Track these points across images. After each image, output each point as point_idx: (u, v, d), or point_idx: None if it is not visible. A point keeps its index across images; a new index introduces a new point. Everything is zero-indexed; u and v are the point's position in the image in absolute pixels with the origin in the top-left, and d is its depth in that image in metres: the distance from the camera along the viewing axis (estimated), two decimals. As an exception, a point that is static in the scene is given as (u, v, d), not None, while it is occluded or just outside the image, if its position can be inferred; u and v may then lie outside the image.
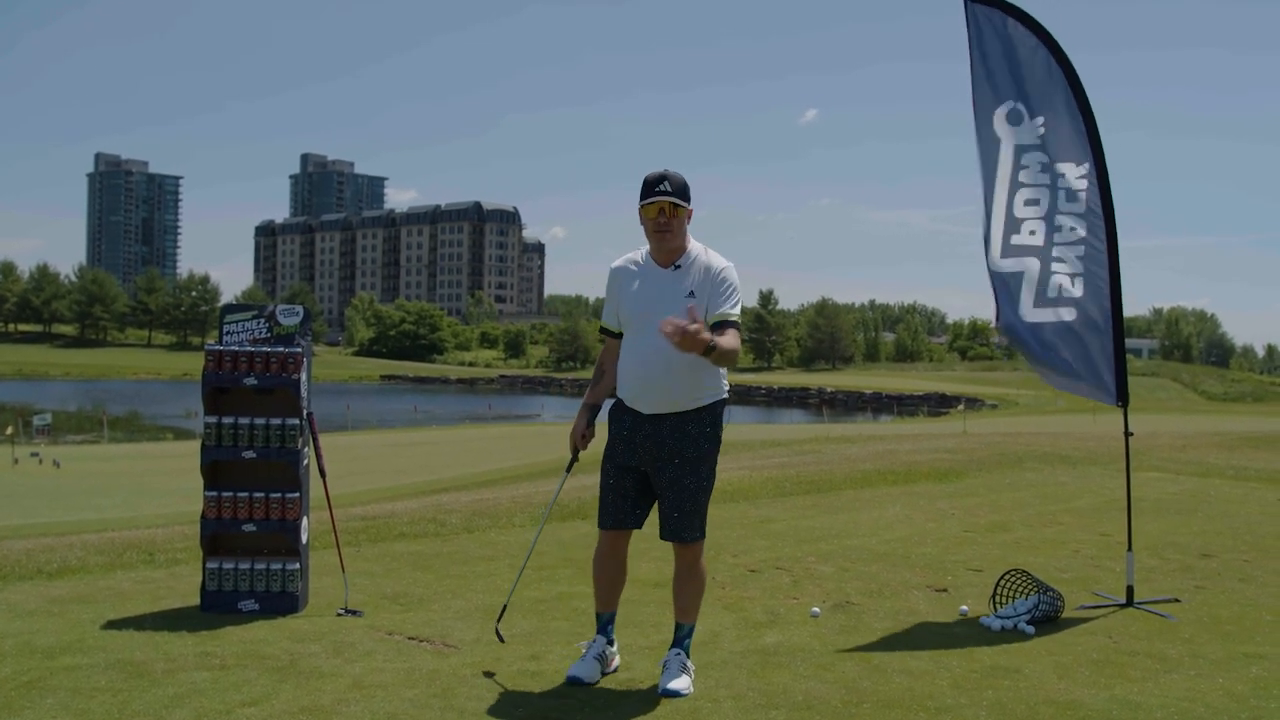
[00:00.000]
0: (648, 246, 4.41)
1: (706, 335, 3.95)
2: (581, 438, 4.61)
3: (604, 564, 4.50)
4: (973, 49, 6.02)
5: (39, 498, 16.38)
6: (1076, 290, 5.88)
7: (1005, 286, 5.97)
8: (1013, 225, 5.98)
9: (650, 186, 4.25)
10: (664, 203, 4.24)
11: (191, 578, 6.06)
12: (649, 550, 6.08)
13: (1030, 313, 5.93)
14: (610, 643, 4.50)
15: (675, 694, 4.17)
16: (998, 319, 6.04)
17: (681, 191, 4.27)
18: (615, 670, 4.51)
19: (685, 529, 4.37)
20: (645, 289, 4.37)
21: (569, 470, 4.84)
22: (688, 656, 4.38)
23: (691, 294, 4.28)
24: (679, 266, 4.35)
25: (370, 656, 4.67)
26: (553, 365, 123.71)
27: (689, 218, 4.36)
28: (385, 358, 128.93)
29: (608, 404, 4.63)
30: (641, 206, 4.29)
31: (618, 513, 4.43)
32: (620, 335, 4.50)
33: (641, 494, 4.45)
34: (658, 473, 4.37)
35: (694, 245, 4.40)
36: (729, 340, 4.14)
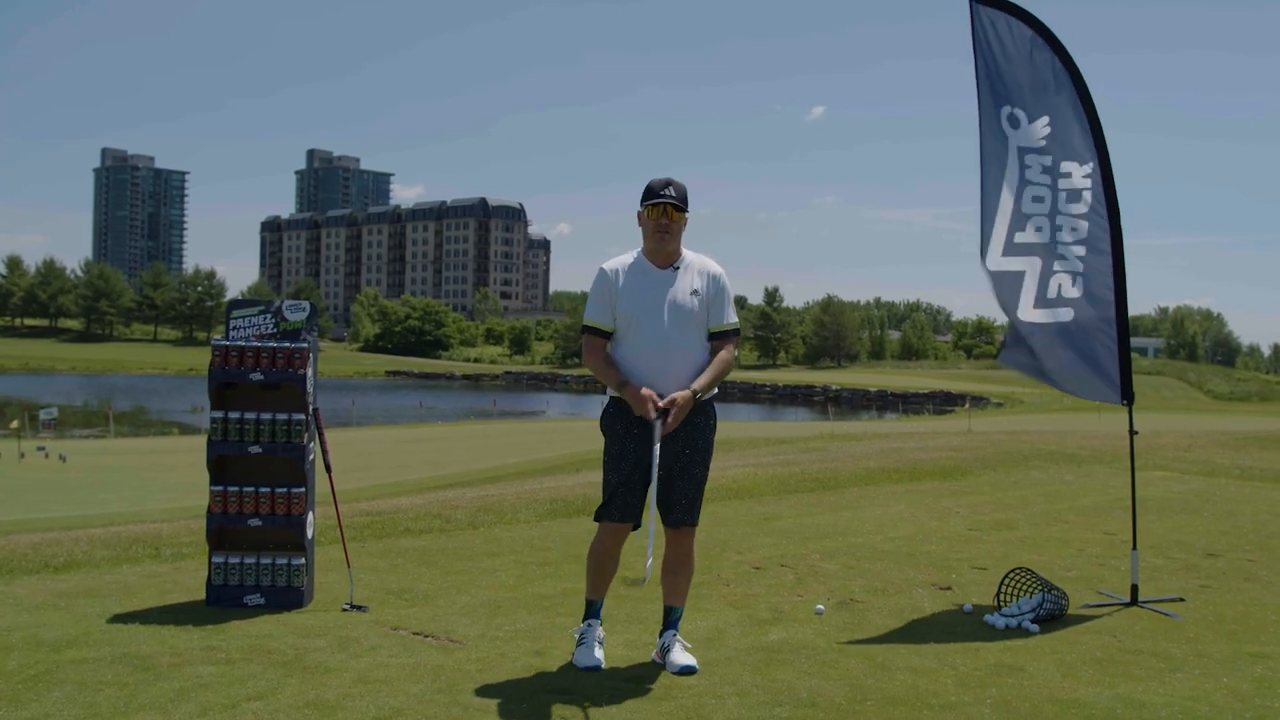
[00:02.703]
0: (639, 250, 4.64)
1: (686, 393, 4.38)
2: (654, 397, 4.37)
3: (608, 556, 4.68)
4: (977, 49, 6.02)
5: (45, 492, 16.41)
6: (1075, 291, 5.90)
7: (1006, 286, 5.97)
8: (1019, 222, 5.98)
9: (655, 190, 4.51)
10: (668, 204, 4.49)
11: (197, 572, 6.08)
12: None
13: (1030, 313, 5.94)
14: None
15: (691, 669, 4.42)
16: (1000, 350, 6.23)
17: (683, 199, 4.54)
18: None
19: (693, 514, 4.63)
20: (648, 288, 4.56)
21: (658, 439, 4.40)
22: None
23: (695, 292, 4.56)
24: (677, 268, 4.60)
25: (375, 651, 4.69)
26: (558, 362, 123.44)
27: (684, 225, 4.60)
28: (390, 353, 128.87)
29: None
30: (647, 207, 4.52)
31: (628, 508, 4.58)
32: (610, 334, 4.59)
33: (645, 489, 4.58)
34: (670, 463, 4.53)
35: (687, 251, 4.67)
36: (718, 368, 4.51)
